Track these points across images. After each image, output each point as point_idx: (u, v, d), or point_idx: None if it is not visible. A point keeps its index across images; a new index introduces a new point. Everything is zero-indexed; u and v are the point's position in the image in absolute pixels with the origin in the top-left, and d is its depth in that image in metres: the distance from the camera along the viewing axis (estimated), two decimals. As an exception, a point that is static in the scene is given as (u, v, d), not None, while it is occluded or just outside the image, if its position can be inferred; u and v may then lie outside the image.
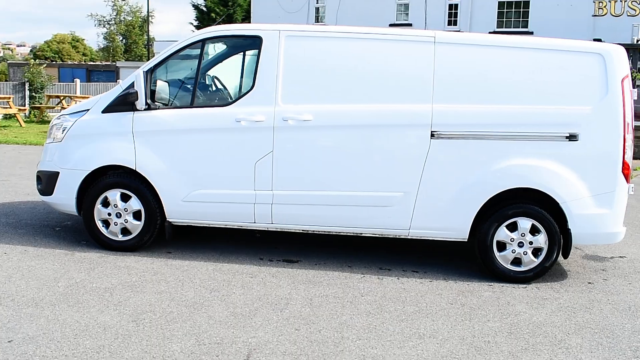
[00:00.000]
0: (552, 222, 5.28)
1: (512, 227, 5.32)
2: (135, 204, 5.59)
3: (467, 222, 5.34)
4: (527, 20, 21.00)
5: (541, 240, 5.29)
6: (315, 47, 5.48)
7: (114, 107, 5.61)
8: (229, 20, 33.74)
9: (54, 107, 19.88)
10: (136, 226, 5.63)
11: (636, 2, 18.97)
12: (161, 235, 5.69)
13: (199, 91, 5.57)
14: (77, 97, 19.30)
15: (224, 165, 5.49)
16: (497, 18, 21.64)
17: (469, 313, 4.60)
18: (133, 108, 5.54)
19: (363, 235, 5.67)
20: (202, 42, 5.54)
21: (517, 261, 5.36)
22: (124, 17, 61.71)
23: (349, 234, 5.71)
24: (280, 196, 5.43)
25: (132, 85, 5.51)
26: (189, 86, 5.56)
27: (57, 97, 20.29)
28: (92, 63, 51.00)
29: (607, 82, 5.21)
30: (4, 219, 6.63)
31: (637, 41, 16.81)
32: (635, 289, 5.36)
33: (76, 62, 53.50)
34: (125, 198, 5.61)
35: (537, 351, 4.01)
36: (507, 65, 5.33)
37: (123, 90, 5.56)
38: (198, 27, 36.99)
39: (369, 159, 5.37)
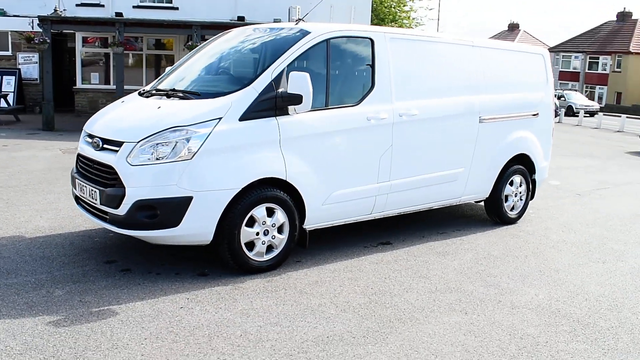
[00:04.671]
0: (529, 175, 7.44)
1: (511, 183, 7.24)
2: (281, 217, 5.12)
3: (491, 184, 7.00)
4: (171, -4, 21.74)
5: (524, 188, 7.40)
6: (410, 48, 6.04)
7: (253, 113, 4.92)
8: None
9: None
10: (281, 241, 5.18)
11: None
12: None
13: (330, 91, 5.39)
14: None
15: (357, 163, 5.59)
16: (140, -8, 21.58)
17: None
18: (276, 113, 5.01)
19: (432, 208, 6.65)
20: (327, 42, 5.38)
21: (513, 207, 7.33)
22: None
23: (421, 210, 6.57)
24: (395, 185, 5.93)
25: (270, 86, 4.97)
26: (321, 87, 5.31)
27: None
28: None
29: (546, 75, 7.59)
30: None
31: (297, 22, 19.86)
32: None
33: None
34: (270, 212, 5.07)
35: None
36: (509, 63, 7.11)
37: (265, 94, 4.94)
38: None
39: (447, 143, 6.39)
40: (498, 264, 5.71)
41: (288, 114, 5.07)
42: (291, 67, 5.14)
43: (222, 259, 5.01)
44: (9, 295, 4.41)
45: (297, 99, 4.95)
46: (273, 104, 4.98)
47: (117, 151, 4.82)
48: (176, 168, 4.66)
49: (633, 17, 52.01)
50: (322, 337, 3.96)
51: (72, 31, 19.66)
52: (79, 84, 20.14)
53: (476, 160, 6.71)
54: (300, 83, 4.92)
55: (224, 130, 4.79)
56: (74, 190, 5.49)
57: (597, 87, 50.88)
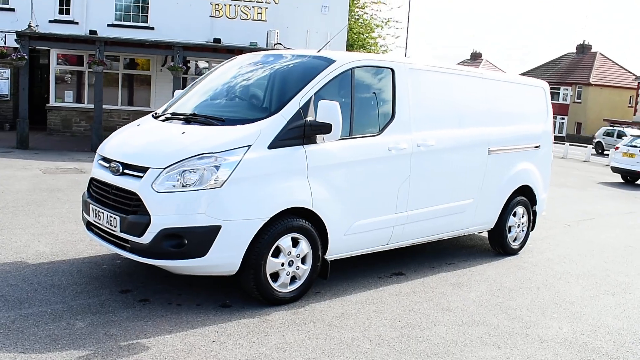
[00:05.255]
0: (531, 207, 7.54)
1: (514, 214, 7.32)
2: (305, 247, 5.03)
3: (497, 215, 7.06)
4: (147, 16, 21.40)
5: (525, 219, 7.49)
6: (427, 78, 6.08)
7: (282, 141, 4.84)
8: None
9: None
10: (304, 271, 5.09)
11: (247, 7, 22.04)
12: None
13: (354, 121, 5.36)
14: None
15: (378, 193, 5.56)
16: (116, 10, 21.17)
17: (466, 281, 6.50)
18: (304, 142, 4.96)
19: (442, 239, 6.65)
20: (351, 71, 5.37)
21: (516, 238, 7.40)
22: None
23: (433, 241, 6.56)
24: (411, 216, 5.91)
25: (298, 114, 4.92)
26: (346, 116, 5.27)
27: None
28: None
29: (546, 107, 7.75)
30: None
31: (275, 45, 19.88)
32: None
33: None
34: (294, 243, 4.98)
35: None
36: (513, 95, 7.23)
37: (293, 122, 4.88)
38: None
39: (459, 174, 6.42)
40: (514, 295, 5.73)
41: (315, 142, 5.02)
42: (318, 95, 5.10)
43: (245, 289, 4.89)
44: (27, 327, 4.19)
45: (326, 128, 4.91)
46: (301, 132, 4.93)
47: (140, 177, 4.67)
48: (205, 196, 4.53)
49: (592, 50, 54.02)
50: (365, 373, 3.87)
51: (46, 48, 19.24)
52: (52, 102, 19.67)
53: (484, 191, 6.76)
54: (330, 112, 4.88)
55: (254, 159, 4.70)
56: (85, 216, 5.29)
57: (558, 117, 52.43)
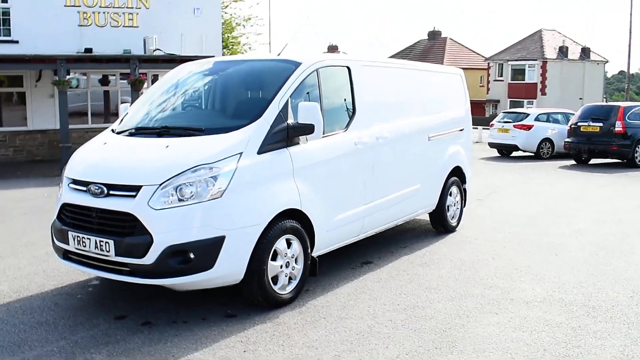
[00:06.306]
0: (462, 185, 8.18)
1: (450, 194, 7.89)
2: (297, 247, 5.15)
3: (438, 196, 7.58)
4: (9, 29, 19.80)
5: (459, 198, 8.11)
6: (376, 74, 6.38)
7: (269, 145, 4.91)
8: None
9: None
10: (299, 271, 5.20)
11: (117, 14, 21.10)
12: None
13: (324, 119, 5.50)
14: None
15: (350, 187, 5.80)
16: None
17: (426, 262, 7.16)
18: (287, 144, 5.06)
19: (397, 225, 7.02)
20: (317, 72, 5.53)
21: (453, 216, 7.99)
22: None
23: (389, 227, 6.90)
24: (376, 205, 6.22)
25: (280, 118, 5.00)
26: (317, 115, 5.41)
27: None
28: None
29: (465, 94, 8.42)
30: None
31: (154, 51, 19.22)
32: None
33: None
34: (288, 244, 5.08)
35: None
36: (439, 84, 7.78)
37: (276, 125, 4.95)
38: None
39: (408, 162, 6.83)
40: (477, 267, 6.24)
41: (297, 144, 5.14)
42: (292, 97, 5.22)
43: (247, 296, 4.90)
44: (44, 369, 3.93)
45: (309, 129, 5.05)
46: (285, 135, 5.03)
47: (133, 196, 4.53)
48: (206, 208, 4.50)
49: (442, 36, 57.89)
50: (403, 355, 4.10)
51: None
52: None
53: (427, 176, 7.24)
54: (310, 112, 5.03)
55: (247, 165, 4.73)
56: (60, 245, 4.99)
57: (418, 101, 55.49)
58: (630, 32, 32.29)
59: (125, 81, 21.04)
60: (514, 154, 19.74)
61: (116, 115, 21.25)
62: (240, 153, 4.73)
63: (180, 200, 4.48)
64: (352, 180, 5.83)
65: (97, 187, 4.71)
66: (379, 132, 6.20)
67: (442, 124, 7.58)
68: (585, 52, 49.59)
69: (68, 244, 4.88)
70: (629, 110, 15.92)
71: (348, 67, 5.98)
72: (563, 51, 47.87)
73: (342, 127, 5.78)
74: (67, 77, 15.35)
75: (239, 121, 5.07)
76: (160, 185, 4.49)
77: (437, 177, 7.48)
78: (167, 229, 4.43)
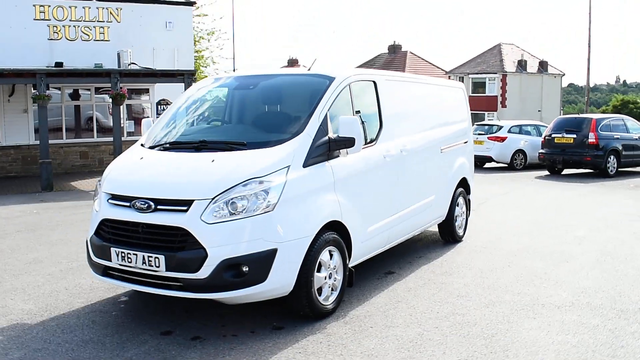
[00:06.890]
0: (466, 195, 8.41)
1: (458, 204, 8.10)
2: (337, 258, 5.23)
3: (447, 207, 7.79)
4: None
5: (465, 208, 8.34)
6: (397, 88, 6.55)
7: (312, 158, 4.99)
8: None
9: None
10: (339, 282, 5.27)
11: (88, 27, 20.78)
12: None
13: (358, 132, 5.61)
14: None
15: (379, 198, 5.92)
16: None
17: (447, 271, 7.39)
18: (328, 157, 5.15)
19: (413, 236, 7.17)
20: (349, 86, 5.64)
21: (461, 226, 8.21)
22: None
23: (407, 239, 7.03)
24: (400, 216, 6.36)
25: (321, 132, 5.09)
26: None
27: None
28: None
29: (466, 107, 8.68)
30: None
31: (129, 65, 18.98)
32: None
33: None
34: (330, 255, 5.15)
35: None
36: (446, 98, 8.01)
37: (318, 139, 5.04)
38: None
39: (425, 175, 7.01)
40: (497, 275, 6.43)
41: (337, 156, 5.24)
42: (330, 111, 5.32)
43: (295, 308, 4.95)
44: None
45: (350, 142, 5.16)
46: (326, 148, 5.13)
47: (184, 211, 4.53)
48: (259, 221, 4.55)
49: (403, 49, 58.84)
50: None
51: None
52: None
53: (440, 187, 7.44)
54: (351, 126, 5.14)
55: (295, 179, 4.80)
56: (101, 261, 4.93)
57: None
58: (589, 47, 33.61)
59: (100, 96, 20.78)
60: (487, 165, 20.25)
61: (88, 130, 21.04)
62: (288, 166, 4.80)
63: (231, 214, 4.51)
64: (381, 191, 5.96)
65: (143, 202, 4.69)
66: (402, 145, 6.36)
67: (451, 137, 7.80)
68: (542, 66, 51.27)
69: (110, 260, 4.83)
70: (601, 122, 16.62)
71: (374, 82, 6.13)
72: (522, 65, 49.37)
73: (372, 139, 5.91)
74: (47, 91, 14.99)
75: (280, 135, 5.14)
76: (213, 199, 4.51)
77: (448, 188, 7.68)
78: (220, 242, 4.45)
